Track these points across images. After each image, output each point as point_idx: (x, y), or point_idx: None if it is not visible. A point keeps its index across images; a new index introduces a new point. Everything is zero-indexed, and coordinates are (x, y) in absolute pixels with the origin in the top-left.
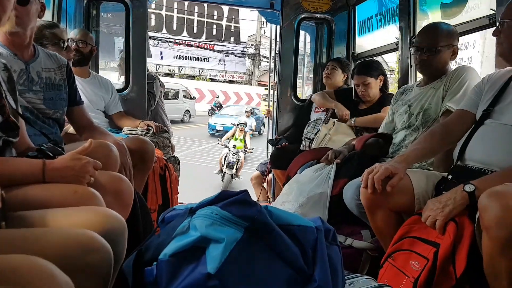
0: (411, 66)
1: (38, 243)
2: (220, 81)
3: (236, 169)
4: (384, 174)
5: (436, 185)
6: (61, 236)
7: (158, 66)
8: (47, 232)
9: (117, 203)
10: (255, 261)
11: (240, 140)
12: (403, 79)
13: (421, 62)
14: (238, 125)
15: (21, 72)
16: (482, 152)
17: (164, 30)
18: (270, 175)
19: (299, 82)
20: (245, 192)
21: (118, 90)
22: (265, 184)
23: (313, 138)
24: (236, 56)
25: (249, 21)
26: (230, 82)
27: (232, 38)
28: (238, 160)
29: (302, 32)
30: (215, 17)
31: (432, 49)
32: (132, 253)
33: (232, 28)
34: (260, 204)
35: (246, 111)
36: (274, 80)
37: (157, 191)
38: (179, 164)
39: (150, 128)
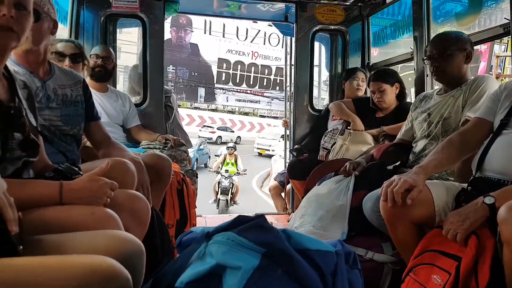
0: (427, 76)
1: (56, 272)
2: (267, 117)
3: (232, 194)
4: (403, 187)
5: (456, 196)
6: (78, 265)
7: (225, 106)
8: (65, 261)
9: (134, 221)
10: None
11: (232, 164)
12: (419, 89)
13: (435, 70)
14: (227, 148)
15: (37, 89)
16: (501, 162)
17: (230, 83)
18: (289, 186)
19: (315, 92)
20: (262, 217)
21: (136, 105)
22: (283, 194)
23: (330, 148)
24: (279, 100)
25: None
26: (275, 117)
27: (277, 87)
28: (233, 184)
29: (316, 43)
30: (266, 73)
31: (443, 55)
32: (148, 279)
33: (278, 80)
34: (280, 221)
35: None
36: (291, 91)
37: (175, 206)
38: (196, 177)
39: (168, 141)
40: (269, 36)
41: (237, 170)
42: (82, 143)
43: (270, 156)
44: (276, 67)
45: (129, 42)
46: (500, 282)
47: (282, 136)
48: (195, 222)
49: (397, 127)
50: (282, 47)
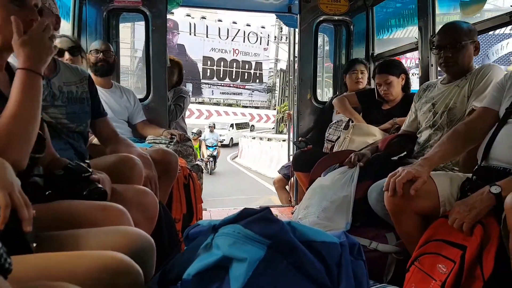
0: (431, 65)
1: (69, 268)
2: (249, 107)
3: None
4: (406, 177)
5: (461, 186)
6: (91, 260)
7: (210, 99)
8: (78, 257)
9: (142, 216)
10: (279, 280)
11: (196, 149)
12: (424, 79)
13: (446, 60)
14: (191, 133)
15: (42, 87)
16: (507, 151)
17: (214, 78)
18: (293, 178)
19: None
20: (267, 209)
21: (140, 100)
22: (287, 187)
23: (335, 140)
24: (259, 91)
25: (268, 70)
26: (256, 107)
27: (257, 80)
28: None
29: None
30: (246, 68)
31: (456, 45)
32: (157, 272)
33: (258, 74)
34: (284, 214)
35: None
36: (294, 83)
37: (182, 201)
38: (202, 172)
39: (173, 136)
40: (248, 35)
41: (201, 156)
42: (89, 141)
43: (221, 146)
44: (255, 62)
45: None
46: (504, 270)
47: (232, 125)
48: (202, 216)
49: None
50: (260, 44)
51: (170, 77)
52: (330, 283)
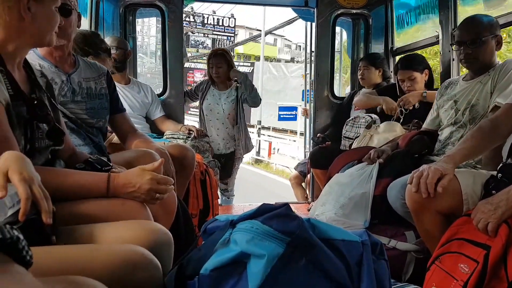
0: (453, 60)
1: (88, 261)
2: None
3: None
4: (435, 177)
5: (485, 184)
6: (110, 254)
7: None
8: (97, 250)
9: (161, 211)
10: (298, 277)
11: None
12: (445, 73)
13: (466, 56)
14: None
15: (62, 83)
16: None
17: None
18: (309, 175)
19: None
20: (286, 205)
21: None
22: (303, 184)
23: (353, 137)
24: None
25: None
26: None
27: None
28: None
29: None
30: None
31: (476, 41)
32: (174, 266)
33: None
34: (300, 210)
35: None
36: (311, 78)
37: (198, 196)
38: (219, 168)
39: (191, 132)
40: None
41: None
42: (108, 140)
43: None
44: None
45: None
46: None
47: None
48: (218, 212)
49: None
50: None
51: (219, 69)
52: (351, 282)
